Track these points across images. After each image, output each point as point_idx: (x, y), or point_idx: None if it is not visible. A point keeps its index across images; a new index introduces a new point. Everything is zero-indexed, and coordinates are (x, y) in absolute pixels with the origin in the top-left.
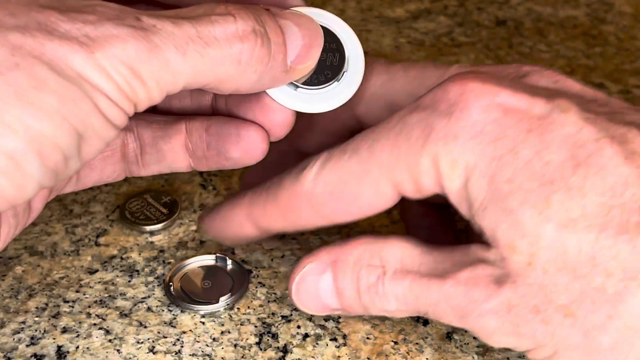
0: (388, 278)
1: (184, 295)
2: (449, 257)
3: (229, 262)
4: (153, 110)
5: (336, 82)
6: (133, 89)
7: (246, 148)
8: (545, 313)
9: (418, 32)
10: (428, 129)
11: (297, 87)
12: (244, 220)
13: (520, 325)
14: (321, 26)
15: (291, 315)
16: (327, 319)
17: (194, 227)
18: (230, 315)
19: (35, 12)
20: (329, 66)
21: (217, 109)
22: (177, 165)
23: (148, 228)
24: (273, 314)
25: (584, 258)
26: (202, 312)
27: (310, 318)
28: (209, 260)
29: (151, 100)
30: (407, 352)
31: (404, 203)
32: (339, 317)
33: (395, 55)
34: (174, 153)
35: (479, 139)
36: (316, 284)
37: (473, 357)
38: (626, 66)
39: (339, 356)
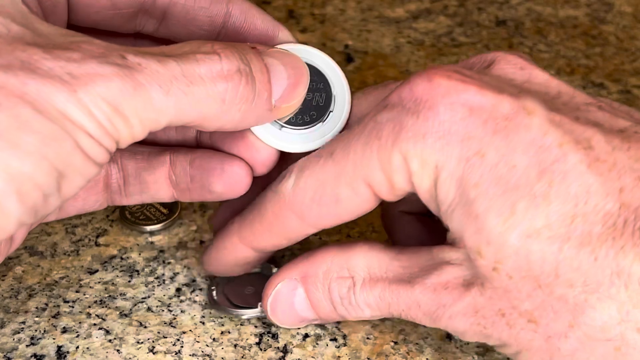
0: (358, 289)
1: (227, 300)
2: (414, 261)
3: (274, 270)
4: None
5: (321, 122)
6: (115, 127)
7: (229, 182)
8: (510, 317)
9: (418, 32)
10: (398, 127)
11: (282, 126)
12: (238, 245)
13: (487, 327)
14: (309, 64)
15: None
16: None
17: (194, 227)
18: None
19: (19, 51)
20: (315, 106)
21: (202, 142)
22: (160, 196)
23: (148, 228)
24: None
25: (547, 268)
26: (245, 317)
27: None
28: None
29: (134, 138)
30: (407, 352)
31: (387, 213)
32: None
33: (395, 55)
34: (158, 184)
35: (447, 139)
36: (290, 300)
37: (473, 357)
38: (626, 66)
39: (339, 356)
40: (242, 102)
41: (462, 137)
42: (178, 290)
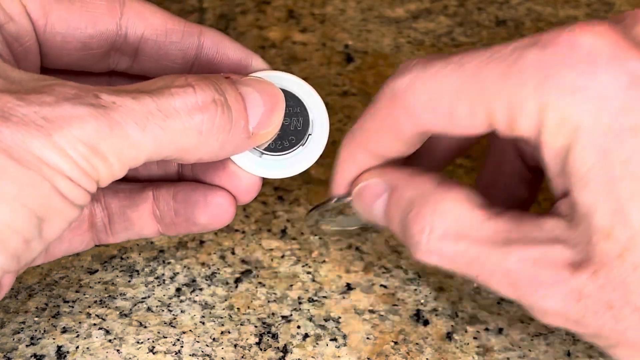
0: (435, 236)
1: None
2: (515, 227)
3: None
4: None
5: (301, 146)
6: (94, 167)
7: (214, 213)
8: (620, 311)
9: (418, 32)
10: (546, 72)
11: (262, 153)
12: (357, 151)
13: (585, 316)
14: (284, 90)
15: (291, 315)
16: (327, 319)
17: None
18: (230, 315)
19: None
20: (293, 131)
21: (184, 175)
22: (146, 232)
23: None
24: (273, 314)
25: None
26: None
27: (310, 318)
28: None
29: (113, 176)
30: (407, 352)
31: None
32: (339, 317)
33: (395, 55)
34: (142, 221)
35: (601, 104)
36: (372, 200)
37: (473, 357)
38: None
39: (339, 356)
40: (220, 132)
41: (619, 107)
42: (178, 290)
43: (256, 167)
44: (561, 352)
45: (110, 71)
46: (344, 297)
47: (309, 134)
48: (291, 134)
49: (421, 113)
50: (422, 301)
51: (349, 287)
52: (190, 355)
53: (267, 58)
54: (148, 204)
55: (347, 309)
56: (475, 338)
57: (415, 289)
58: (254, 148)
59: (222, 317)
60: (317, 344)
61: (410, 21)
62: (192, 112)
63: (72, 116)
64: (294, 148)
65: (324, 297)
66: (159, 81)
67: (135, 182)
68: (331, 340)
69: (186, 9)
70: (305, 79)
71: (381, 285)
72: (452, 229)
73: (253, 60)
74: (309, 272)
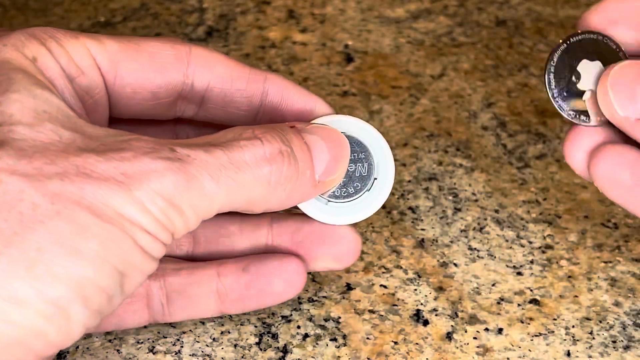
0: None
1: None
2: None
3: None
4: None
5: (367, 192)
6: (171, 220)
7: (291, 280)
8: None
9: (418, 32)
10: None
11: (328, 201)
12: None
13: None
14: (348, 135)
15: (291, 315)
16: (327, 319)
17: None
18: (230, 315)
19: (73, 157)
20: (358, 177)
21: (275, 247)
22: (206, 311)
23: None
24: (273, 314)
25: None
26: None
27: (310, 318)
28: None
29: (188, 228)
30: (407, 352)
31: None
32: (339, 317)
33: (395, 55)
34: (205, 299)
35: None
36: (637, 80)
37: (473, 357)
38: None
39: (339, 356)
40: (287, 182)
41: None
42: None
43: (323, 214)
44: (561, 352)
45: (176, 119)
46: (344, 297)
47: (374, 179)
48: (356, 180)
49: None
50: (422, 301)
51: (349, 287)
52: (190, 355)
53: (267, 58)
54: (212, 281)
55: (347, 309)
56: (475, 338)
57: (415, 289)
58: (320, 196)
59: (222, 317)
60: (317, 344)
61: (410, 21)
62: (260, 164)
63: (150, 170)
64: (360, 194)
65: (324, 297)
66: (228, 133)
67: (199, 260)
68: (331, 340)
69: (186, 9)
70: (305, 79)
71: (381, 285)
72: None
73: (317, 104)
74: (309, 272)
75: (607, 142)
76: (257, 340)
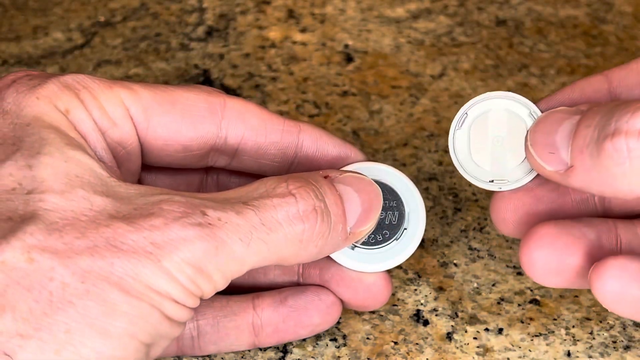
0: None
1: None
2: None
3: None
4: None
5: (395, 240)
6: (198, 286)
7: (327, 312)
8: None
9: (418, 32)
10: None
11: (355, 246)
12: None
13: None
14: (381, 183)
15: None
16: None
17: None
18: None
19: (103, 227)
20: (388, 225)
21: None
22: (239, 344)
23: None
24: None
25: None
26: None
27: None
28: None
29: (216, 290)
30: (407, 352)
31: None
32: (339, 317)
33: (395, 55)
34: (239, 331)
35: None
36: (557, 124)
37: (473, 357)
38: None
39: (339, 356)
40: (319, 238)
41: None
42: None
43: (349, 259)
44: (561, 352)
45: (208, 167)
46: None
47: (404, 229)
48: (385, 227)
49: None
50: (422, 301)
51: None
52: (189, 354)
53: (267, 58)
54: (248, 313)
55: (347, 309)
56: (475, 338)
57: (415, 289)
58: None
59: None
60: (317, 344)
61: (410, 21)
62: (293, 222)
63: (180, 239)
64: (388, 242)
65: None
66: (260, 187)
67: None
68: (331, 340)
69: (186, 8)
70: (305, 79)
71: None
72: None
73: (351, 152)
74: None
75: (606, 254)
76: None
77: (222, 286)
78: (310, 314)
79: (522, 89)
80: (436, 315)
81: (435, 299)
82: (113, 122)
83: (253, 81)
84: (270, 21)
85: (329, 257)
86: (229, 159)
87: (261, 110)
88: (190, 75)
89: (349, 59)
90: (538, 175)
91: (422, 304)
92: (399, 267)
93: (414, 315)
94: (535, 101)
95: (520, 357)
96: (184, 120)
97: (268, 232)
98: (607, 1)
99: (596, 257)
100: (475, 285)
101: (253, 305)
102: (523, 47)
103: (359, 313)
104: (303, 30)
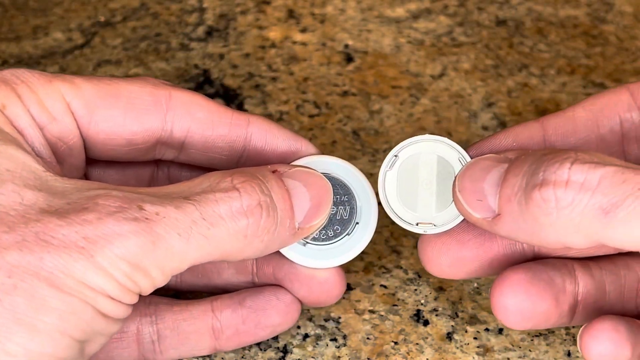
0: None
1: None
2: None
3: None
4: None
5: (347, 236)
6: (135, 282)
7: (287, 311)
8: None
9: (418, 32)
10: None
11: (306, 243)
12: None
13: None
14: (332, 177)
15: None
16: (327, 319)
17: None
18: None
19: (33, 222)
20: (339, 220)
21: (255, 282)
22: (200, 349)
23: None
24: None
25: None
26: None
27: (310, 318)
28: None
29: (155, 287)
30: (407, 352)
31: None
32: (339, 317)
33: (396, 55)
34: (199, 335)
35: None
36: (485, 172)
37: (473, 357)
38: (626, 66)
39: (339, 356)
40: (264, 233)
41: None
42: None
43: (300, 256)
44: (561, 352)
45: (157, 160)
46: (344, 297)
47: (356, 223)
48: (337, 223)
49: None
50: (422, 301)
51: (349, 287)
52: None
53: (267, 58)
54: (207, 316)
55: (347, 309)
56: (475, 338)
57: (415, 289)
58: None
59: None
60: (317, 344)
61: (410, 21)
62: (237, 217)
63: (114, 234)
64: (339, 238)
65: None
66: (204, 181)
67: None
68: (331, 340)
69: (186, 8)
70: (305, 79)
71: (381, 285)
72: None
73: (302, 145)
74: None
75: (568, 298)
76: None
77: (161, 282)
78: (269, 314)
79: (522, 89)
80: (436, 315)
81: (436, 299)
82: (52, 117)
83: (253, 81)
84: (270, 21)
85: (282, 255)
86: (177, 152)
87: (208, 103)
88: (190, 75)
89: (349, 59)
90: (464, 219)
91: (422, 304)
92: (399, 267)
93: (414, 315)
94: (466, 146)
95: (520, 357)
96: (127, 113)
97: (209, 227)
98: (607, 1)
99: (562, 301)
100: (475, 285)
101: (212, 308)
102: (523, 47)
103: (359, 313)
104: (303, 30)
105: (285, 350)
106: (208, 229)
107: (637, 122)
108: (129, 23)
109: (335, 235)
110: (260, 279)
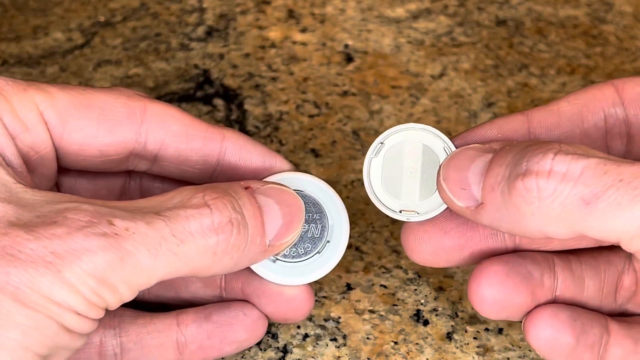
0: (567, 152)
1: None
2: None
3: None
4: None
5: (317, 254)
6: (102, 298)
7: (253, 328)
8: None
9: (418, 32)
10: None
11: (276, 259)
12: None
13: None
14: (304, 195)
15: None
16: (327, 319)
17: None
18: None
19: (0, 235)
20: (310, 238)
21: (224, 297)
22: None
23: None
24: None
25: None
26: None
27: (310, 318)
28: None
29: (122, 302)
30: (407, 352)
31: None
32: (339, 317)
33: (395, 55)
34: (162, 349)
35: None
36: (469, 161)
37: (473, 357)
38: (626, 66)
39: (339, 356)
40: (234, 250)
41: None
42: None
43: (269, 272)
44: None
45: (130, 170)
46: (344, 297)
47: (327, 241)
48: (307, 240)
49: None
50: (422, 301)
51: (349, 287)
52: None
53: (267, 58)
54: (171, 330)
55: (347, 309)
56: (475, 338)
57: (415, 289)
58: None
59: None
60: (317, 344)
61: (410, 21)
62: (206, 234)
63: (82, 249)
64: (309, 256)
65: (324, 297)
66: (176, 197)
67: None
68: (331, 340)
69: (186, 8)
70: (305, 79)
71: (381, 285)
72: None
73: (276, 161)
74: None
75: (546, 292)
76: None
77: (128, 297)
78: (236, 329)
79: (522, 89)
80: (436, 315)
81: (435, 298)
82: (25, 127)
83: (253, 81)
84: (270, 21)
85: (251, 271)
86: (150, 164)
87: (183, 116)
88: (190, 75)
89: (349, 59)
90: (448, 208)
91: (422, 304)
92: (399, 267)
93: (414, 315)
94: (452, 136)
95: (520, 357)
96: (101, 124)
97: (179, 243)
98: (607, 1)
99: (538, 294)
100: None
101: (177, 322)
102: (523, 47)
103: (359, 313)
104: (303, 30)
105: (285, 350)
106: (177, 246)
107: (620, 118)
108: (129, 23)
109: (306, 253)
110: (228, 294)
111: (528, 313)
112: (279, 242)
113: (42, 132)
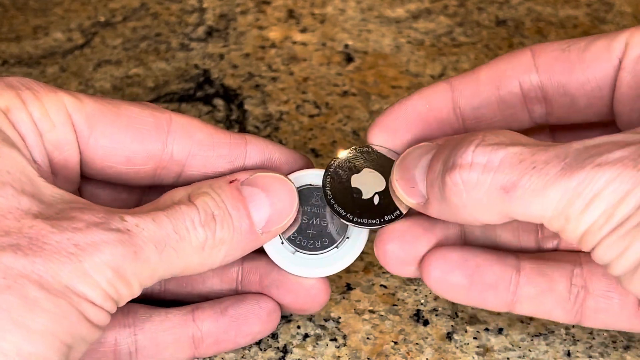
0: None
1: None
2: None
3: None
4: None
5: (335, 249)
6: (117, 290)
7: (267, 320)
8: None
9: (418, 32)
10: None
11: (296, 250)
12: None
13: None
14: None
15: (291, 315)
16: (327, 319)
17: None
18: None
19: (27, 228)
20: (328, 233)
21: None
22: (178, 357)
23: None
24: None
25: None
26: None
27: (310, 318)
28: None
29: (131, 297)
30: (407, 352)
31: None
32: (339, 317)
33: (395, 55)
34: (178, 345)
35: None
36: (417, 159)
37: (473, 357)
38: None
39: (339, 356)
40: (221, 244)
41: None
42: None
43: (288, 263)
44: (561, 352)
45: (152, 186)
46: (344, 297)
47: (346, 237)
48: (326, 235)
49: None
50: (422, 301)
51: (349, 287)
52: None
53: (267, 58)
54: (187, 326)
55: (347, 309)
56: (475, 338)
57: (415, 289)
58: (287, 244)
59: None
60: (317, 344)
61: (410, 21)
62: (197, 231)
63: (101, 241)
64: (327, 250)
65: None
66: (167, 198)
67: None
68: (331, 340)
69: (186, 9)
70: (305, 79)
71: (381, 285)
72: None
73: (297, 159)
74: None
75: (430, 246)
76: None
77: (136, 292)
78: (251, 322)
79: None
80: (436, 315)
81: (435, 298)
82: (52, 125)
83: (253, 81)
84: (270, 21)
85: (269, 262)
86: (176, 176)
87: (206, 126)
88: (190, 75)
89: (349, 59)
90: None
91: (422, 304)
92: None
93: (414, 315)
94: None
95: (520, 357)
96: (128, 131)
97: (178, 240)
98: (607, 1)
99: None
100: None
101: (193, 317)
102: (523, 47)
103: (359, 313)
104: (303, 30)
105: (285, 350)
106: (177, 242)
107: (535, 84)
108: (129, 23)
109: (323, 247)
110: (244, 287)
111: (424, 255)
112: (273, 228)
113: (69, 132)
